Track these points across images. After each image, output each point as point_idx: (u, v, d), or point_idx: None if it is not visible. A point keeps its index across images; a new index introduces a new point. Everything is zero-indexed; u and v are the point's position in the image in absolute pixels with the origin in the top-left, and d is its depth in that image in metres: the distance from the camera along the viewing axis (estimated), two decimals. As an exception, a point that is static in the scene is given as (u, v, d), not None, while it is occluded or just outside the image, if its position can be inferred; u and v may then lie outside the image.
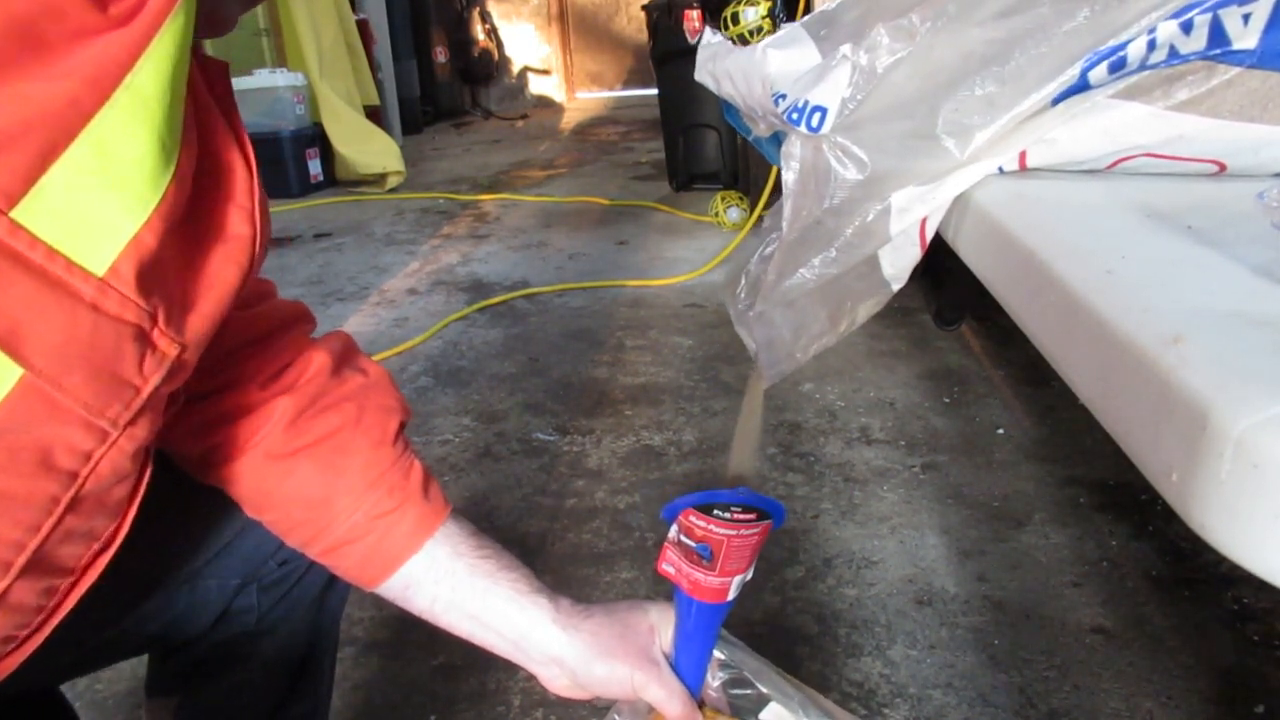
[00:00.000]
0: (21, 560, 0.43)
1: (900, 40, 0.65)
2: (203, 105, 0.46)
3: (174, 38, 0.38)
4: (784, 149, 0.72)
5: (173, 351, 0.44)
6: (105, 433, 0.43)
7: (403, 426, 0.67)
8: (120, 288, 0.39)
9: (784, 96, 0.71)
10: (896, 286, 0.76)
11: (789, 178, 0.71)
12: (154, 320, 0.42)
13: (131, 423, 0.44)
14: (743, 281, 0.80)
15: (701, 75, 0.91)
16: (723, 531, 0.56)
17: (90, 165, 0.36)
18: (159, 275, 0.41)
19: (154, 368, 0.43)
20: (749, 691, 0.62)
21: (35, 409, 0.39)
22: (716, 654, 0.63)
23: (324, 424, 0.63)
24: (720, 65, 0.86)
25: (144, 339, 0.42)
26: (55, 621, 0.49)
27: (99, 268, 0.38)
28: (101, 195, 0.37)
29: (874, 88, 0.65)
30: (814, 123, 0.67)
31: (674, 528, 0.58)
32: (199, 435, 0.63)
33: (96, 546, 0.48)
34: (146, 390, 0.43)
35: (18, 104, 0.34)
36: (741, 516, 0.56)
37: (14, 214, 0.35)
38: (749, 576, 0.60)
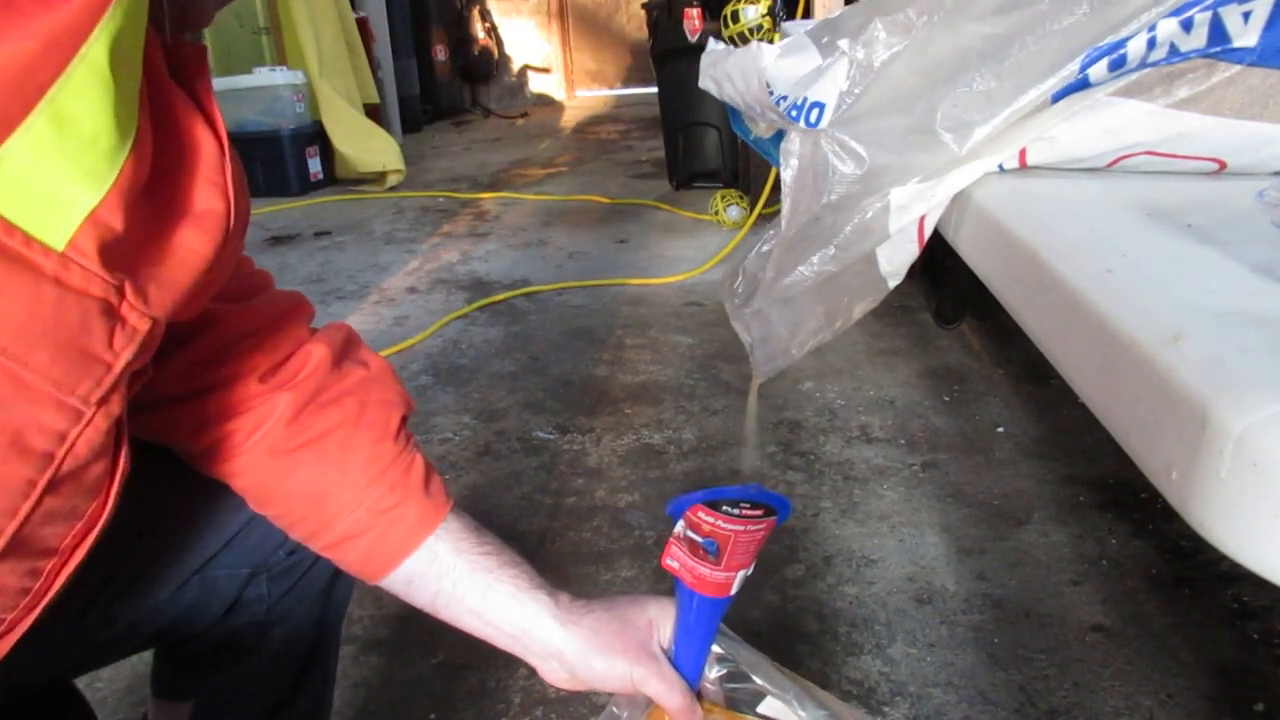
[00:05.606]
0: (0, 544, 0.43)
1: (897, 34, 0.65)
2: (163, 85, 0.45)
3: (128, 10, 0.37)
4: (783, 145, 0.72)
5: (144, 326, 0.43)
6: (79, 411, 0.42)
7: (404, 420, 0.67)
8: (83, 262, 0.39)
9: (785, 98, 0.71)
10: (893, 284, 0.76)
11: (787, 174, 0.71)
12: (121, 294, 0.41)
13: (105, 400, 0.43)
14: (740, 277, 0.80)
15: (704, 81, 0.91)
16: (730, 527, 0.56)
17: (48, 138, 0.36)
18: (122, 249, 0.40)
19: (125, 343, 0.43)
20: (746, 685, 0.62)
21: (1, 389, 0.39)
22: (714, 648, 0.63)
23: (325, 419, 0.63)
24: (721, 69, 0.86)
25: (112, 313, 0.41)
26: (44, 603, 0.48)
27: (58, 242, 0.38)
28: (58, 169, 0.37)
29: (871, 82, 0.65)
30: (812, 118, 0.67)
31: (680, 523, 0.58)
32: (201, 431, 0.63)
33: (80, 526, 0.48)
34: (119, 366, 0.43)
35: None
36: (749, 512, 0.56)
37: None
38: (750, 571, 0.60)
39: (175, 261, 0.45)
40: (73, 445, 0.43)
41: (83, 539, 0.48)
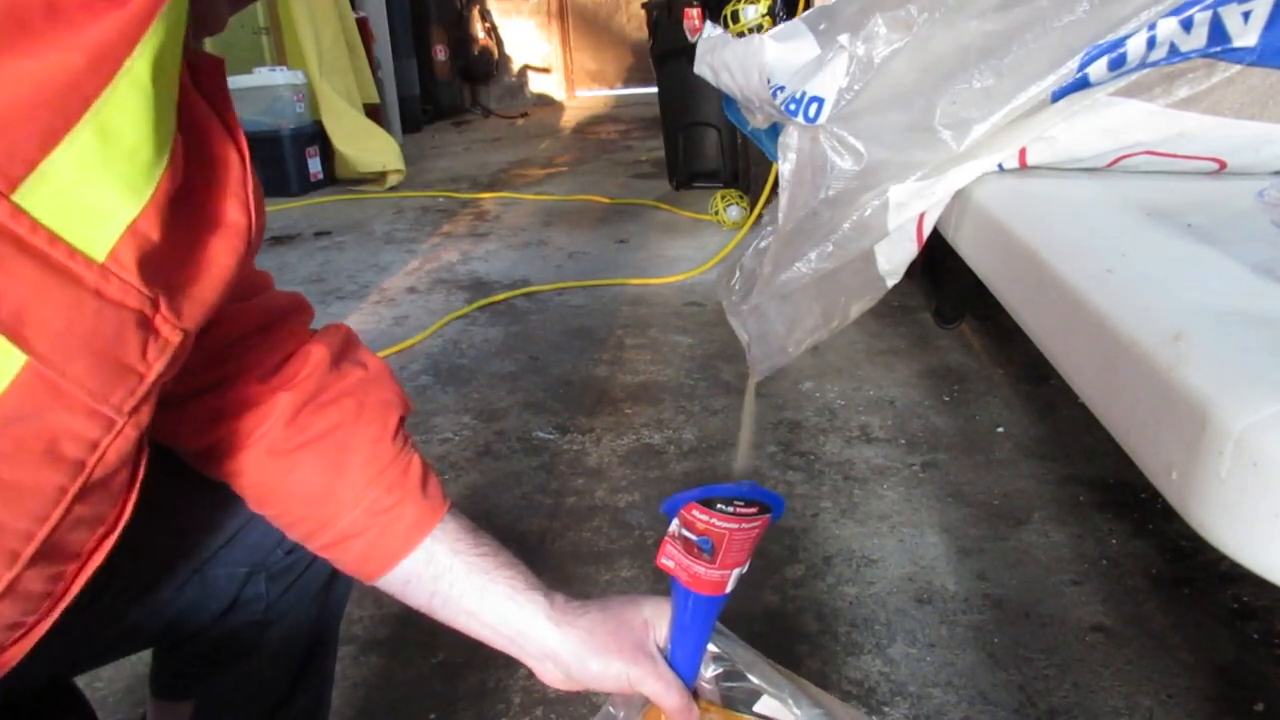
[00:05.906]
0: (30, 550, 0.43)
1: (897, 31, 0.65)
2: (190, 98, 0.46)
3: (169, 25, 0.37)
4: (781, 140, 0.71)
5: (175, 338, 0.44)
6: (111, 421, 0.43)
7: (402, 421, 0.67)
8: (121, 274, 0.39)
9: (782, 88, 0.71)
10: (891, 283, 0.76)
11: (785, 169, 0.71)
12: (155, 306, 0.42)
13: (136, 410, 0.44)
14: (736, 274, 0.80)
15: (701, 68, 0.91)
16: (725, 525, 0.56)
17: (93, 151, 0.36)
18: (158, 262, 0.41)
19: (157, 354, 0.43)
20: (742, 684, 0.62)
21: (40, 397, 0.39)
22: (710, 647, 0.63)
23: (324, 420, 0.64)
24: (719, 57, 0.86)
25: (146, 325, 0.42)
26: (62, 606, 0.49)
27: (99, 254, 0.38)
28: (101, 181, 0.37)
29: (871, 78, 0.65)
30: (811, 113, 0.67)
31: (674, 522, 0.58)
32: (201, 431, 0.63)
33: (102, 530, 0.48)
34: (150, 377, 0.43)
35: (21, 83, 0.34)
36: (744, 510, 0.56)
37: (15, 197, 0.35)
38: (745, 569, 0.60)
39: (205, 275, 0.46)
40: (104, 454, 0.43)
41: (102, 543, 0.49)
